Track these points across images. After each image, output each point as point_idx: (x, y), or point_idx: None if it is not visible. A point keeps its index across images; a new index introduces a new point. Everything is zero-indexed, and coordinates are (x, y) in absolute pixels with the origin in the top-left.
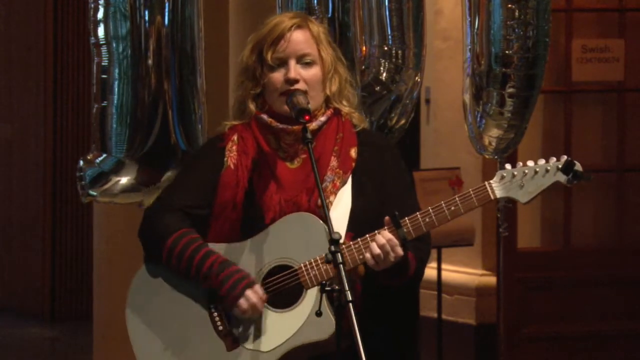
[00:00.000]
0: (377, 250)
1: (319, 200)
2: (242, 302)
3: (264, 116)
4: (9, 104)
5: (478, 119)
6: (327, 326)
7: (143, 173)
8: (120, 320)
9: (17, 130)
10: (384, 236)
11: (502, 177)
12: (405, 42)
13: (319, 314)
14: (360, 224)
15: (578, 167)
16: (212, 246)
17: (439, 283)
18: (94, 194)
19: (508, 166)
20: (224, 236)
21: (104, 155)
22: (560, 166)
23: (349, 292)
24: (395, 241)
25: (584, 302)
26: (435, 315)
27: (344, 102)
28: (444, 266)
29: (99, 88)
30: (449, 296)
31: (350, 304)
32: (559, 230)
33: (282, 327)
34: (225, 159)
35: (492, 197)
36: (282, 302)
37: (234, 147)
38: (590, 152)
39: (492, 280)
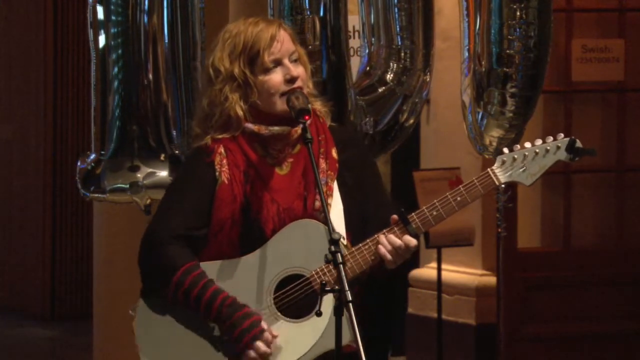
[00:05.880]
0: (388, 248)
1: (317, 203)
2: (251, 353)
3: (250, 125)
4: (9, 104)
5: (479, 119)
6: (347, 331)
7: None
8: (120, 320)
9: (17, 130)
10: (406, 241)
11: (503, 162)
12: (414, 42)
13: (319, 314)
14: (354, 222)
15: (578, 143)
16: (219, 264)
17: (439, 283)
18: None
19: (506, 150)
20: (224, 252)
21: (96, 156)
22: (560, 145)
23: (349, 292)
24: (410, 239)
25: (584, 302)
26: (435, 315)
27: (312, 98)
28: (444, 266)
29: (99, 88)
30: (449, 296)
31: (350, 304)
32: (559, 230)
33: (301, 337)
34: (217, 173)
35: (496, 182)
36: (297, 312)
37: (224, 161)
38: None
39: (492, 280)
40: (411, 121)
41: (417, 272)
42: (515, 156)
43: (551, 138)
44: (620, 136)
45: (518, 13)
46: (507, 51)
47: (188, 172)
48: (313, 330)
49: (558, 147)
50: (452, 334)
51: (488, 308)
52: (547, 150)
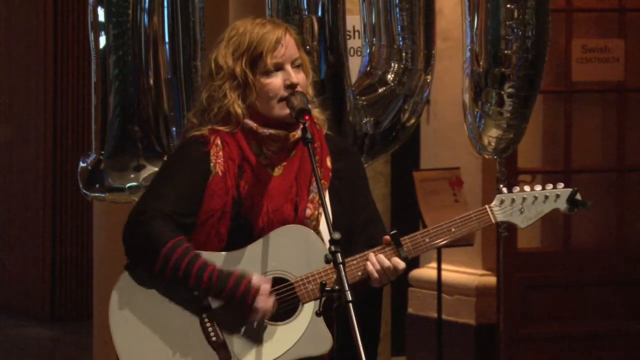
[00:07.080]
0: (377, 267)
1: (307, 211)
2: (258, 314)
3: (249, 122)
4: (9, 104)
5: (477, 119)
6: (324, 342)
7: None
8: None
9: (17, 130)
10: (395, 263)
11: (502, 202)
12: (415, 43)
13: (319, 314)
14: (341, 233)
15: (578, 195)
16: (205, 255)
17: (439, 283)
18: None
19: (505, 190)
20: (209, 241)
21: (97, 156)
22: (559, 194)
23: (349, 292)
24: (399, 262)
25: (584, 302)
26: (435, 315)
27: (310, 105)
28: (444, 266)
29: (99, 88)
30: (449, 296)
31: (350, 304)
32: (559, 231)
33: (277, 340)
34: (212, 164)
35: (493, 220)
36: (276, 315)
37: (220, 153)
38: (590, 152)
39: (492, 280)
40: (412, 121)
41: (417, 272)
42: (514, 198)
43: (551, 185)
44: (620, 136)
45: (515, 13)
46: (505, 51)
47: (181, 159)
48: (289, 335)
49: (557, 196)
50: (452, 334)
51: (488, 308)
52: (546, 197)
